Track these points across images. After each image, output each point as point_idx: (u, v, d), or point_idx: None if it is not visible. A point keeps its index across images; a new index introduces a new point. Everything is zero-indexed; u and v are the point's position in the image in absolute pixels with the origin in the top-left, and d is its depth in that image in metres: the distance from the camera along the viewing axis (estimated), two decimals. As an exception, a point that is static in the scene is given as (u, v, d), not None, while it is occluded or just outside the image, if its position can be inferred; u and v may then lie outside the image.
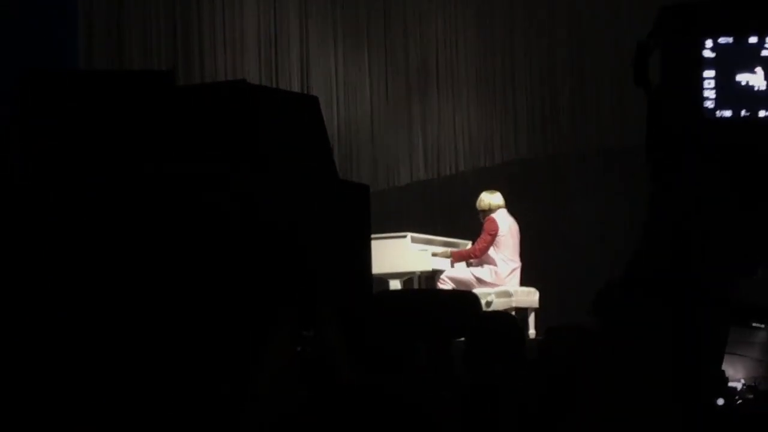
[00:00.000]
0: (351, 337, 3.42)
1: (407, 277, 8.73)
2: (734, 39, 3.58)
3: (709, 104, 2.77)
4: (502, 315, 3.89)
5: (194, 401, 2.63)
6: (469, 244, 9.06)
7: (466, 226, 9.13)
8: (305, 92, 10.19)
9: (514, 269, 8.69)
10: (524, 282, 8.77)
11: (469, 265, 8.81)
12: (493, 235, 8.62)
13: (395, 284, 8.58)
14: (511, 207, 9.12)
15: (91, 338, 4.47)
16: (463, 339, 3.88)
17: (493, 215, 8.68)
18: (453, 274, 8.74)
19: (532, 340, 7.88)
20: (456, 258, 8.79)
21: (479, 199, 8.78)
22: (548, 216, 10.29)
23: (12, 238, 4.69)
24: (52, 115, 4.97)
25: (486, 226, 8.67)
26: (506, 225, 8.69)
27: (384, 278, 8.48)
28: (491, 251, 8.65)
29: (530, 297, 8.72)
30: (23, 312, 4.54)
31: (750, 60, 3.68)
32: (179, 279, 4.70)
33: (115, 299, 4.60)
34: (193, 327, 4.56)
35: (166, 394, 2.66)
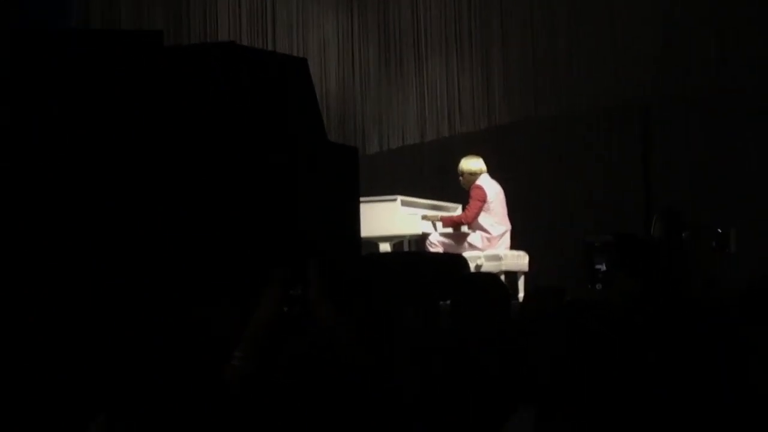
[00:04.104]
0: (338, 298, 3.43)
1: (397, 241, 8.75)
2: None
3: None
4: (487, 276, 3.91)
5: (178, 358, 2.65)
6: (458, 208, 9.08)
7: (455, 190, 9.14)
8: (296, 54, 10.16)
9: (504, 233, 8.72)
10: (514, 245, 8.80)
11: (458, 229, 8.83)
12: (482, 202, 8.64)
13: (385, 247, 8.60)
14: (501, 170, 9.14)
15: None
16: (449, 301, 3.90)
17: (479, 182, 8.69)
18: (443, 237, 8.77)
19: (521, 302, 7.91)
20: (446, 224, 8.81)
21: (460, 165, 8.81)
22: (539, 179, 10.29)
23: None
24: (39, 75, 4.96)
25: (473, 193, 8.69)
26: (493, 190, 8.71)
27: (374, 241, 8.49)
28: (481, 217, 8.67)
29: (520, 260, 8.75)
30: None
31: None
32: (171, 239, 4.73)
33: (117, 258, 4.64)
34: (186, 285, 4.59)
35: (150, 351, 2.70)
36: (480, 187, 8.68)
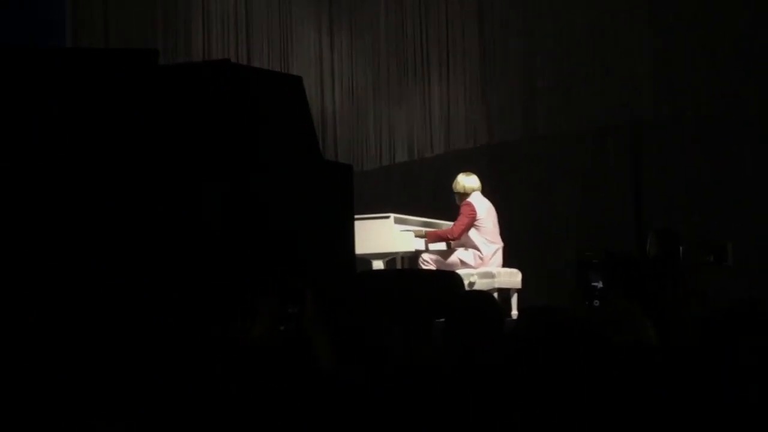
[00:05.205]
0: (333, 316, 3.44)
1: (390, 258, 8.76)
2: None
3: None
4: (481, 294, 3.91)
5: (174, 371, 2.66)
6: (451, 226, 9.09)
7: (448, 208, 9.16)
8: (289, 72, 10.19)
9: (496, 250, 8.73)
10: (507, 263, 8.82)
11: (450, 247, 8.84)
12: (471, 218, 8.65)
13: (378, 265, 8.60)
14: (494, 188, 9.16)
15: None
16: (443, 319, 3.90)
17: (470, 199, 8.71)
18: (435, 255, 8.77)
19: (515, 320, 7.91)
20: (431, 238, 8.79)
21: (455, 181, 8.83)
22: (533, 197, 10.32)
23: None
24: (33, 93, 4.96)
25: (463, 209, 8.70)
26: (483, 208, 8.72)
27: (367, 259, 8.50)
28: (473, 235, 8.68)
29: (513, 278, 8.76)
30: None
31: None
32: (170, 254, 4.75)
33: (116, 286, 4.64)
34: (186, 299, 4.60)
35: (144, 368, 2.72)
36: (470, 204, 8.69)
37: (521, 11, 10.52)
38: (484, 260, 8.67)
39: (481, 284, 8.45)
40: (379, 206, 9.14)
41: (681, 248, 4.67)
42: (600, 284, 3.70)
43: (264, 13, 11.13)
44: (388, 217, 8.64)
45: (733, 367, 2.86)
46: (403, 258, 9.01)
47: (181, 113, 5.11)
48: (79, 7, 10.73)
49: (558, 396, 2.50)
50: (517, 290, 8.78)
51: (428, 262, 8.72)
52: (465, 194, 8.75)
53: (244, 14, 11.09)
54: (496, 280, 8.58)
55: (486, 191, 8.87)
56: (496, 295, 8.26)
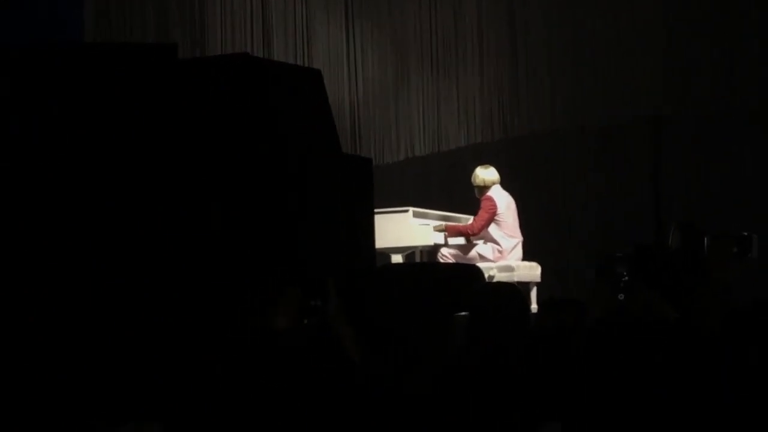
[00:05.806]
0: (354, 310, 3.43)
1: (409, 252, 8.75)
2: None
3: None
4: (505, 286, 3.89)
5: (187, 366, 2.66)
6: (470, 219, 9.08)
7: (466, 202, 9.13)
8: (307, 65, 10.18)
9: (515, 245, 8.71)
10: (526, 256, 8.79)
11: (469, 241, 8.81)
12: (492, 213, 8.62)
13: (397, 259, 8.59)
14: (513, 182, 9.13)
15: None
16: (465, 312, 3.88)
17: (490, 193, 8.67)
18: (455, 249, 8.75)
19: (534, 314, 7.89)
20: (451, 232, 8.76)
21: (474, 174, 8.79)
22: (548, 191, 10.29)
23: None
24: (54, 89, 4.96)
25: (484, 204, 8.67)
26: (504, 202, 8.69)
27: (386, 253, 8.49)
28: (492, 229, 8.65)
29: (532, 271, 8.74)
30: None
31: None
32: (191, 247, 4.76)
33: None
34: (207, 291, 4.61)
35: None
36: (490, 198, 8.66)
37: (541, 6, 10.47)
38: (503, 254, 8.65)
39: (500, 277, 8.44)
40: (398, 200, 9.12)
41: (706, 239, 4.65)
42: (625, 277, 3.68)
43: (282, 5, 11.11)
44: (407, 211, 8.63)
45: (734, 367, 2.83)
46: (422, 252, 8.99)
47: (199, 107, 5.11)
48: (97, 1, 10.74)
49: (587, 388, 2.48)
50: (537, 284, 8.76)
51: (447, 256, 8.71)
52: (485, 187, 8.72)
53: (261, 6, 11.08)
54: (515, 273, 8.56)
55: (502, 186, 8.83)
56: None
